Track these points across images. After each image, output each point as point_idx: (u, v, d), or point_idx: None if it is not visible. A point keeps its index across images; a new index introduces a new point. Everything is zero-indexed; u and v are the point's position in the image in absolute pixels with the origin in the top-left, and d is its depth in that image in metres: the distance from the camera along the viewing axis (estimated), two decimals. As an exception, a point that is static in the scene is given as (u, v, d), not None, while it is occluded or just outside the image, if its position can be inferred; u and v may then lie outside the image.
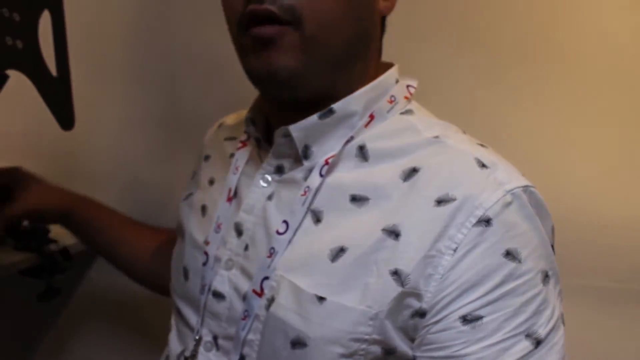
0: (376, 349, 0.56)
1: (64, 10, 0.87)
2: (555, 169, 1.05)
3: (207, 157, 0.83)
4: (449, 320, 0.53)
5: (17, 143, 1.29)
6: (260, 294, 0.61)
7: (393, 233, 0.56)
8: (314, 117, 0.63)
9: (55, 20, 0.85)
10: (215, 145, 0.83)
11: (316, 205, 0.62)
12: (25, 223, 1.13)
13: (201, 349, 0.68)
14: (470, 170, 0.57)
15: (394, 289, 0.54)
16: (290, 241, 0.61)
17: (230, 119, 0.87)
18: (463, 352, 0.52)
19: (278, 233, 0.62)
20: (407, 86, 0.68)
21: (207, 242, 0.70)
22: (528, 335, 0.53)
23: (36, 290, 1.03)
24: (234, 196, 0.71)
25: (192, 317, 0.71)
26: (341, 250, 0.58)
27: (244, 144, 0.74)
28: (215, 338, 0.67)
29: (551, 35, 1.04)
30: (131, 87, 1.24)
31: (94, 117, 1.18)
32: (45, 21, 0.84)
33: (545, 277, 0.56)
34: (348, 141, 0.63)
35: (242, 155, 0.73)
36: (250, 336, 0.62)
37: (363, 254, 0.57)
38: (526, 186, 0.57)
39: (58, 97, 0.83)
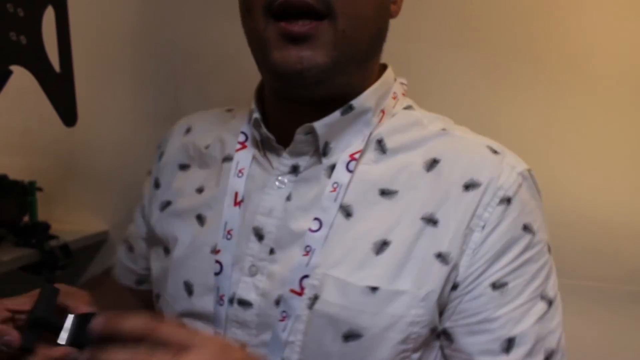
0: (425, 331, 0.60)
1: (67, 7, 0.87)
2: (554, 170, 1.04)
3: (184, 167, 0.77)
4: (480, 288, 0.60)
5: (18, 139, 1.29)
6: (300, 293, 0.61)
7: (431, 221, 0.61)
8: (336, 114, 0.64)
9: (59, 17, 0.85)
10: (191, 155, 0.77)
11: (345, 200, 0.63)
12: (26, 219, 1.13)
13: None
14: (486, 156, 0.64)
15: (440, 269, 0.60)
16: (326, 238, 0.61)
17: (199, 123, 0.80)
18: (495, 315, 0.59)
19: (311, 231, 0.62)
20: (401, 83, 0.72)
21: (216, 251, 0.66)
22: (542, 297, 0.61)
23: (37, 287, 1.03)
24: (241, 200, 0.67)
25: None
26: (384, 244, 0.61)
27: (243, 145, 0.70)
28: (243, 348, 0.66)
29: (551, 35, 1.04)
30: (134, 84, 1.24)
31: (96, 114, 1.18)
32: (48, 17, 0.85)
33: (548, 247, 0.65)
34: (367, 136, 0.66)
35: (244, 157, 0.69)
36: (292, 337, 0.61)
37: (408, 244, 0.60)
38: (529, 169, 0.65)
39: (61, 93, 0.83)
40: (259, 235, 0.65)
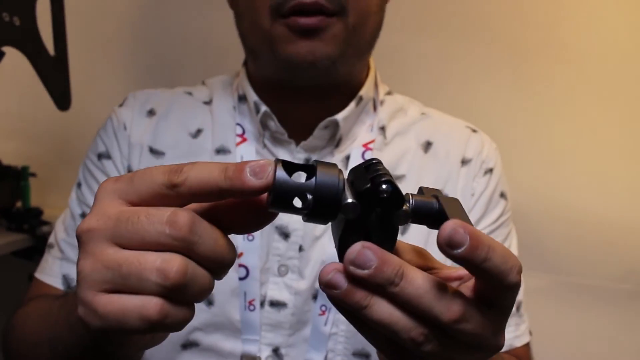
0: None
1: (63, -11, 0.86)
2: (552, 167, 1.05)
3: (157, 153, 0.68)
4: None
5: (12, 124, 1.28)
6: None
7: None
8: (352, 106, 0.65)
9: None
10: (166, 141, 0.68)
11: None
12: (19, 204, 1.12)
13: None
14: (469, 135, 0.71)
15: None
16: None
17: (163, 105, 0.71)
18: None
19: None
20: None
21: (239, 255, 0.62)
22: None
23: (29, 272, 1.02)
24: None
25: (227, 343, 0.62)
26: (407, 225, 0.63)
27: (243, 138, 0.67)
28: (276, 350, 0.62)
29: (554, 32, 1.03)
30: (129, 69, 1.23)
31: (90, 99, 1.17)
32: (43, 0, 0.83)
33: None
34: (372, 125, 0.67)
35: (247, 152, 0.66)
36: (334, 329, 0.61)
37: None
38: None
39: (55, 76, 0.81)
40: (284, 234, 0.63)
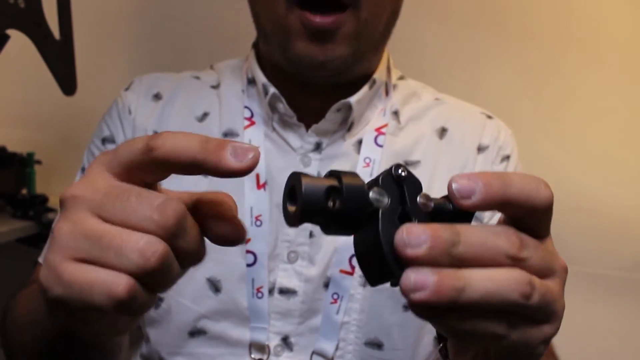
0: None
1: (68, -27, 0.85)
2: (563, 156, 1.04)
3: None
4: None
5: (17, 111, 1.27)
6: (351, 272, 0.59)
7: None
8: (365, 89, 0.63)
9: (59, -18, 0.83)
10: (172, 126, 0.67)
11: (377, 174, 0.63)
12: (24, 192, 1.11)
13: (271, 357, 0.60)
14: (484, 122, 0.70)
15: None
16: None
17: (170, 89, 0.70)
18: None
19: None
20: None
21: (246, 241, 0.60)
22: None
23: (34, 259, 1.01)
24: (265, 182, 0.62)
25: (235, 331, 0.60)
26: None
27: (251, 121, 0.66)
28: (285, 338, 0.61)
29: (567, 20, 1.02)
30: (135, 54, 1.22)
31: (96, 84, 1.16)
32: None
33: None
34: (385, 109, 0.66)
35: (255, 135, 0.64)
36: (346, 318, 0.60)
37: None
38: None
39: (60, 61, 0.81)
40: None
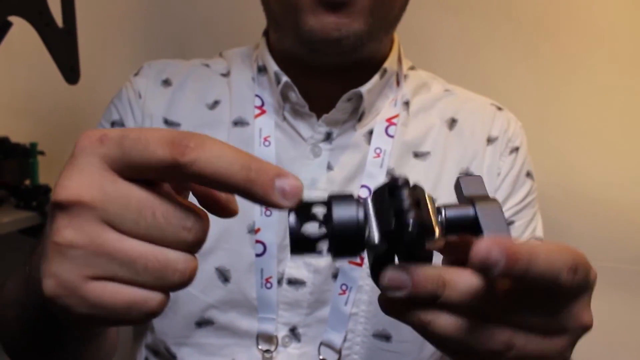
0: None
1: (71, -41, 0.84)
2: (568, 147, 1.03)
3: (172, 125, 0.66)
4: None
5: (20, 102, 1.27)
6: (360, 263, 0.59)
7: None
8: (376, 78, 0.63)
9: (62, -31, 0.81)
10: (181, 112, 0.66)
11: (389, 165, 0.63)
12: (27, 182, 1.11)
13: (279, 348, 0.60)
14: (494, 113, 0.69)
15: None
16: None
17: (180, 76, 0.69)
18: None
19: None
20: None
21: (256, 230, 0.60)
22: (536, 239, 0.67)
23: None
24: None
25: (243, 322, 0.60)
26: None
27: (262, 110, 0.65)
28: (293, 329, 0.61)
29: (580, 13, 1.01)
30: (140, 43, 1.21)
31: (100, 73, 1.15)
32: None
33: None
34: (396, 99, 0.65)
35: (266, 124, 0.64)
36: (355, 309, 0.59)
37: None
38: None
39: (63, 49, 0.80)
40: None
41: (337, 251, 0.30)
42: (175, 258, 0.28)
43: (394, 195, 0.30)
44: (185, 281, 0.29)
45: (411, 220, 0.28)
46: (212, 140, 0.27)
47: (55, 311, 0.29)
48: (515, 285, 0.30)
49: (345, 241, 0.29)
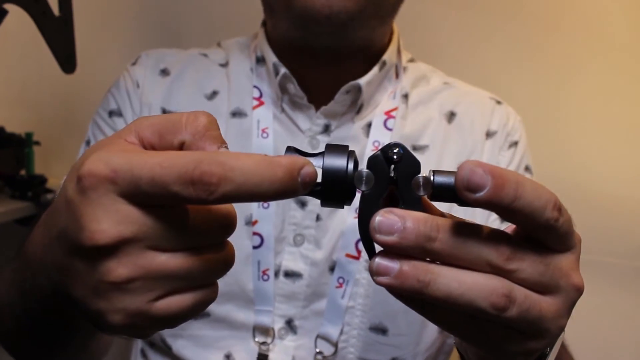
0: None
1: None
2: (565, 143, 1.03)
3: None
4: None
5: (16, 92, 1.26)
6: (357, 257, 0.59)
7: None
8: (375, 70, 0.62)
9: (59, -43, 0.80)
10: (179, 102, 0.66)
11: None
12: (23, 173, 1.10)
13: (276, 340, 0.60)
14: (493, 107, 0.69)
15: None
16: None
17: (178, 66, 0.68)
18: None
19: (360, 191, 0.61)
20: None
21: (253, 222, 0.60)
22: None
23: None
24: None
25: (239, 314, 0.60)
26: None
27: (260, 101, 0.64)
28: (289, 322, 0.61)
29: (585, 9, 1.01)
30: (137, 32, 1.20)
31: (96, 63, 1.14)
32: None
33: None
34: (395, 92, 0.65)
35: (264, 116, 0.63)
36: (351, 302, 0.59)
37: None
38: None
39: (60, 38, 0.78)
40: (301, 202, 0.60)
41: (325, 197, 0.30)
42: (217, 253, 0.30)
43: (383, 151, 0.30)
44: (230, 267, 0.31)
45: (395, 144, 0.30)
46: (233, 163, 0.26)
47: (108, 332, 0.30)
48: (502, 215, 0.28)
49: (333, 187, 0.30)
